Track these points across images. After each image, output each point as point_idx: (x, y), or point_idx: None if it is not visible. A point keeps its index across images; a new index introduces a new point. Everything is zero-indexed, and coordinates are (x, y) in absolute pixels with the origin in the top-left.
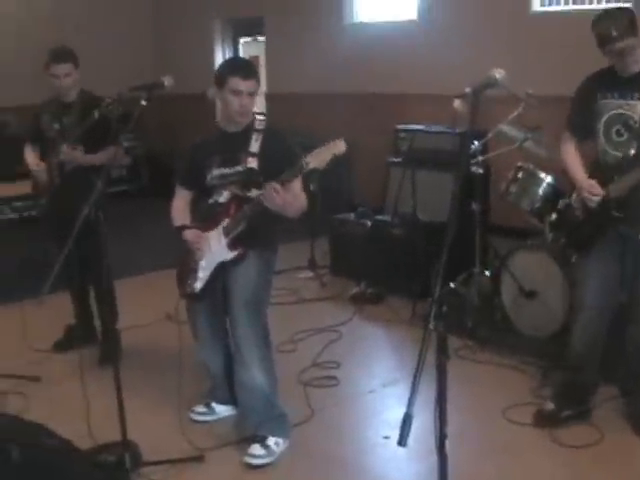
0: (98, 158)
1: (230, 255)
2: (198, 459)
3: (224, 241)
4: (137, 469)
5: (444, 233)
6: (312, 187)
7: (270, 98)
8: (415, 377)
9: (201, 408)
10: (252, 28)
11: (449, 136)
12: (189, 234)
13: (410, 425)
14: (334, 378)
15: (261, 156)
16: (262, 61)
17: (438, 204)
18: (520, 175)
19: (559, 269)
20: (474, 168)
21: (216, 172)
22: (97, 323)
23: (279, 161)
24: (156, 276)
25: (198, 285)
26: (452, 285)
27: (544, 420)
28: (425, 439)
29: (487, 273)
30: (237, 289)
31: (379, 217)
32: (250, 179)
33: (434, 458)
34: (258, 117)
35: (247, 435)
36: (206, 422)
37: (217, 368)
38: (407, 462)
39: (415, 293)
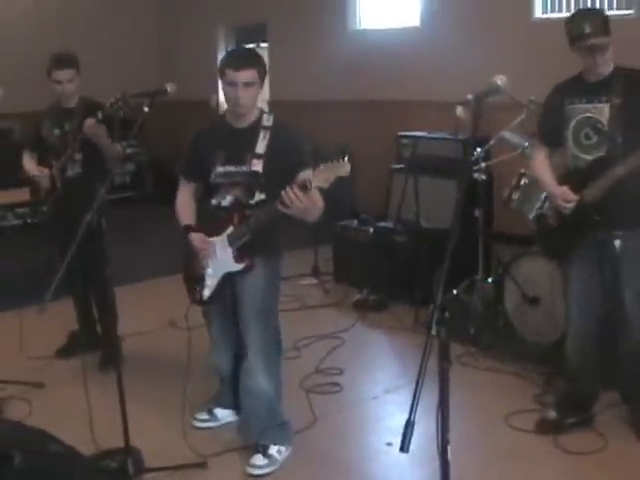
0: (112, 146)
1: (237, 267)
2: (201, 465)
3: (229, 251)
4: (139, 475)
5: (447, 240)
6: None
7: (273, 105)
8: (417, 383)
9: (203, 415)
10: (255, 34)
11: (452, 143)
12: (196, 239)
13: (412, 431)
14: (337, 384)
15: (267, 157)
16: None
17: (441, 211)
18: (523, 182)
19: (562, 276)
20: (477, 175)
21: (220, 169)
22: (100, 329)
23: (286, 162)
24: (159, 282)
25: (206, 292)
26: (455, 292)
27: (547, 428)
28: (427, 446)
29: (490, 280)
30: (246, 298)
31: (382, 224)
32: (254, 183)
33: (436, 464)
34: (266, 113)
35: (250, 442)
36: (209, 429)
37: (226, 371)
38: (410, 469)
39: (418, 300)
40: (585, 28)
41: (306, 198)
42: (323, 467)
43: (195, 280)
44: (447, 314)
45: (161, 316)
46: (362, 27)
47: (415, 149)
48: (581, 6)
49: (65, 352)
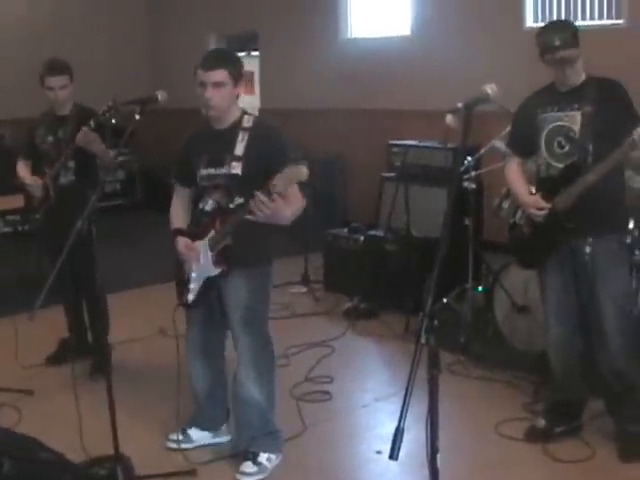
0: (105, 151)
1: (215, 271)
2: (191, 473)
3: (210, 255)
4: None
5: (437, 247)
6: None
7: (264, 113)
8: (407, 391)
9: (177, 435)
10: (246, 43)
11: (442, 152)
12: (180, 243)
13: (401, 439)
14: (327, 393)
15: (245, 159)
16: (256, 76)
17: (431, 219)
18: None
19: None
20: (467, 183)
21: (204, 172)
22: (90, 336)
23: (266, 164)
24: (150, 290)
25: (190, 296)
26: (445, 300)
27: (536, 436)
28: (417, 454)
29: (480, 288)
30: (232, 309)
31: (372, 232)
32: (233, 186)
33: (426, 472)
34: (248, 114)
35: (240, 450)
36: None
37: (201, 385)
38: (399, 476)
39: (408, 308)
40: (554, 41)
41: (273, 203)
42: (313, 475)
43: (183, 283)
44: (436, 322)
45: (152, 324)
46: (353, 36)
47: (406, 158)
48: (571, 15)
49: (55, 360)
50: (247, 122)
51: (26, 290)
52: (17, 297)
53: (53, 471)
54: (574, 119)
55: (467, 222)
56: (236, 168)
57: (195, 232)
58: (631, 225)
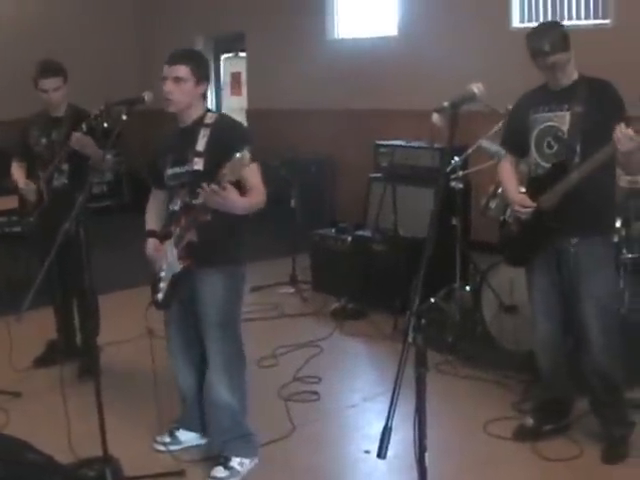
0: (99, 152)
1: (178, 267)
2: (179, 474)
3: (175, 252)
4: None
5: (424, 247)
6: (293, 203)
7: (251, 114)
8: (394, 389)
9: (165, 438)
10: (234, 44)
11: (429, 151)
12: (149, 245)
13: (389, 437)
14: (315, 393)
15: (206, 155)
16: (244, 77)
17: (419, 219)
18: (500, 190)
19: None
20: (454, 183)
21: (170, 172)
22: (78, 338)
23: (226, 157)
24: (138, 292)
25: (160, 296)
26: (433, 300)
27: (524, 435)
28: (406, 454)
29: (468, 288)
30: (205, 310)
31: (360, 232)
32: (195, 183)
33: (415, 472)
34: (211, 112)
35: (214, 453)
36: (170, 452)
37: (188, 385)
38: (388, 476)
39: (396, 308)
40: (544, 45)
41: (224, 191)
42: (301, 475)
43: (154, 284)
44: (424, 321)
45: (139, 325)
46: (340, 36)
47: (393, 158)
48: (558, 16)
49: (43, 361)
50: (209, 119)
51: (14, 292)
52: (5, 299)
53: (41, 473)
54: (563, 119)
55: (455, 222)
56: (198, 164)
57: (165, 233)
58: (618, 224)
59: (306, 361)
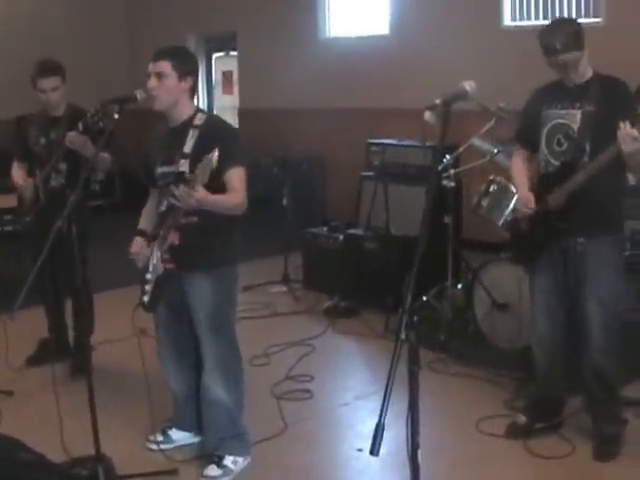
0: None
1: (161, 270)
2: (172, 472)
3: (159, 254)
4: None
5: (416, 245)
6: (285, 201)
7: (243, 113)
8: (387, 385)
9: (157, 437)
10: (225, 43)
11: (421, 150)
12: (133, 244)
13: (382, 434)
14: (308, 391)
15: (193, 156)
16: (235, 76)
17: (411, 218)
18: (492, 189)
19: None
20: (446, 182)
21: (159, 171)
22: (71, 337)
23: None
24: (130, 291)
25: (145, 297)
26: (425, 298)
27: (517, 433)
28: (398, 451)
29: (459, 286)
30: (196, 315)
31: (352, 231)
32: (180, 184)
33: (407, 470)
34: (201, 113)
35: (207, 452)
36: (162, 451)
37: (179, 387)
38: (381, 474)
39: (388, 307)
40: (556, 44)
41: (196, 193)
42: (294, 474)
43: (142, 285)
44: (416, 318)
45: (132, 324)
46: (332, 35)
47: (384, 156)
48: (549, 14)
49: (35, 360)
50: (199, 120)
51: (7, 291)
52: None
53: (34, 472)
54: (574, 117)
55: (446, 220)
56: (183, 165)
57: (154, 234)
58: None
59: (298, 359)
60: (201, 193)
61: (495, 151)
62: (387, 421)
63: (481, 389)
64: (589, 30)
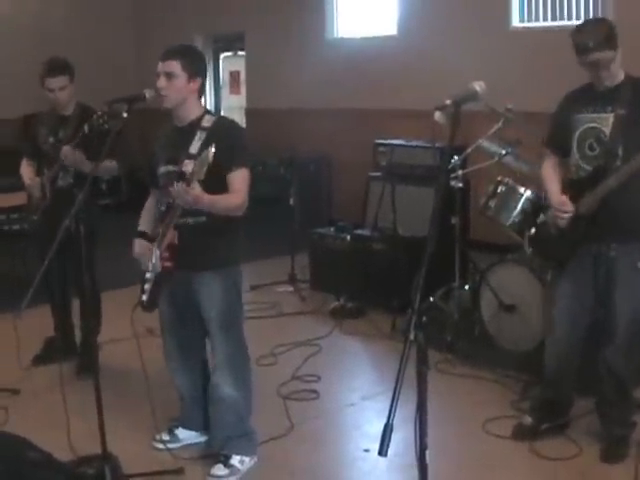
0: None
1: (160, 268)
2: (178, 472)
3: (158, 253)
4: None
5: (424, 246)
6: (291, 201)
7: (250, 113)
8: (396, 386)
9: (164, 436)
10: (233, 43)
11: (429, 151)
12: (135, 245)
13: (391, 435)
14: (314, 391)
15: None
16: (242, 76)
17: (418, 218)
18: (499, 190)
19: (538, 284)
20: (453, 182)
21: (162, 169)
22: (77, 336)
23: (219, 163)
24: (136, 290)
25: (144, 297)
26: (432, 299)
27: (523, 434)
28: (405, 452)
29: (467, 287)
30: (206, 314)
31: (359, 231)
32: (178, 182)
33: (414, 471)
34: (209, 114)
35: (214, 451)
36: (169, 450)
37: (185, 387)
38: (387, 475)
39: (395, 307)
40: (588, 42)
41: (192, 191)
42: (300, 474)
43: (141, 285)
44: (425, 319)
45: (138, 324)
46: (340, 36)
47: (392, 157)
48: (557, 16)
49: (42, 359)
50: (207, 122)
51: (14, 290)
52: (5, 297)
53: (41, 470)
54: (606, 121)
55: (454, 221)
56: (188, 166)
57: (154, 234)
58: None
59: (305, 360)
60: (197, 191)
61: (503, 152)
62: (394, 423)
63: (488, 390)
64: None
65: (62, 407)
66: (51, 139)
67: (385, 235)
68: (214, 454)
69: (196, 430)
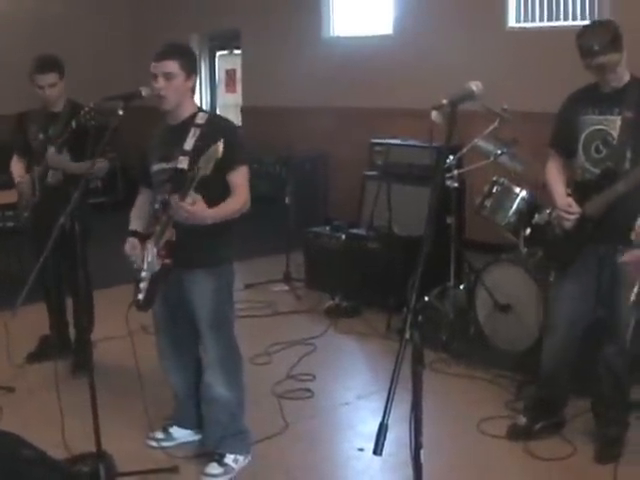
0: (80, 167)
1: (158, 266)
2: (172, 470)
3: (155, 251)
4: None
5: (420, 246)
6: (287, 200)
7: (246, 111)
8: (391, 386)
9: (158, 434)
10: (229, 41)
11: (425, 150)
12: (127, 244)
13: (385, 434)
14: (309, 390)
15: (193, 154)
16: (239, 74)
17: (413, 218)
18: (495, 189)
19: (534, 284)
20: (449, 182)
21: (155, 167)
22: (72, 334)
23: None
24: (131, 288)
25: (140, 296)
26: (427, 298)
27: (517, 434)
28: (399, 452)
29: (462, 287)
30: (197, 312)
31: (354, 230)
32: (178, 182)
33: (408, 470)
34: (203, 112)
35: (207, 450)
36: (163, 449)
37: (179, 385)
38: (381, 474)
39: (390, 306)
40: (593, 45)
41: (192, 207)
42: (294, 473)
43: (136, 284)
44: (420, 318)
45: (133, 321)
46: (335, 35)
47: (388, 156)
48: (553, 17)
49: (36, 357)
50: (200, 119)
51: (8, 288)
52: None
53: (36, 468)
54: (614, 124)
55: (449, 221)
56: (182, 162)
57: (148, 233)
58: None
59: (300, 359)
60: (199, 207)
61: (499, 152)
62: (389, 422)
63: (482, 390)
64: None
65: (57, 405)
66: (41, 136)
67: (381, 234)
68: (208, 453)
69: (190, 428)
